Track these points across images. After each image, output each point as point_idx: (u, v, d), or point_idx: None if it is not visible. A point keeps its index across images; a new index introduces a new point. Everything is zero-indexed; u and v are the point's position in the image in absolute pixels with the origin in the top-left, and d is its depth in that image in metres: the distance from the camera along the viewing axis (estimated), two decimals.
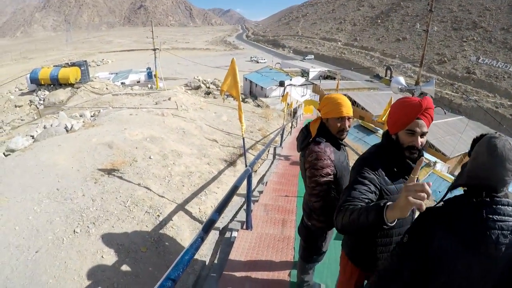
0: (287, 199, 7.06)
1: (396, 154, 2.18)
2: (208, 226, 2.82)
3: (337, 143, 2.92)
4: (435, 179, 19.85)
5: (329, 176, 2.70)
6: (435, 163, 22.32)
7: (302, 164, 2.99)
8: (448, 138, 35.36)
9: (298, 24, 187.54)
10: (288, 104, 25.64)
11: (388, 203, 1.53)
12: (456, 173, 32.85)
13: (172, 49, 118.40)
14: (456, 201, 1.70)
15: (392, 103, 4.22)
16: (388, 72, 73.16)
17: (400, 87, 12.83)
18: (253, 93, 49.23)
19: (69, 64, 31.13)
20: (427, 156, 25.04)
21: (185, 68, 76.98)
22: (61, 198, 6.11)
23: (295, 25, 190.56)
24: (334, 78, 56.83)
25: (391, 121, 2.21)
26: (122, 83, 44.94)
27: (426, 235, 1.69)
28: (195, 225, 6.41)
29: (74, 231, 5.34)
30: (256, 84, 48.86)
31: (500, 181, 1.60)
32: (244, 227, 5.25)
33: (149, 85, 42.18)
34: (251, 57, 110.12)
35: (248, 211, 5.15)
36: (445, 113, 45.47)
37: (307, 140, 2.97)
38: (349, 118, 2.86)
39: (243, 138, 7.49)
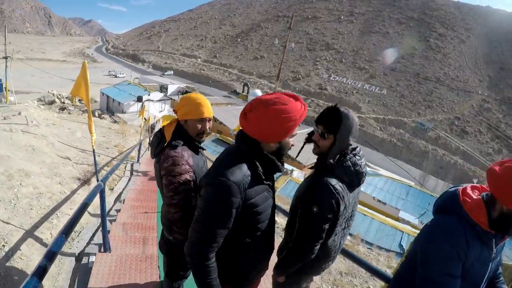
0: (146, 215, 6.76)
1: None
2: (52, 252, 2.31)
3: (195, 147, 2.72)
4: (293, 185, 21.79)
5: (189, 184, 2.47)
6: (292, 171, 24.78)
7: (158, 171, 2.65)
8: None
9: (159, 39, 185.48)
10: (145, 119, 25.17)
11: None
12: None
13: (27, 59, 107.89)
14: (336, 161, 2.22)
15: None
16: (245, 88, 77.30)
17: None
18: (110, 108, 47.20)
19: None
20: (285, 165, 26.78)
21: (40, 81, 70.64)
22: None
23: (157, 40, 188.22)
24: None
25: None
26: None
27: (333, 196, 2.15)
28: None
29: None
30: (113, 99, 47.01)
31: (353, 137, 2.25)
32: (102, 249, 4.79)
33: None
34: (109, 71, 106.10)
35: (105, 232, 4.76)
36: (299, 126, 49.43)
37: (162, 144, 2.66)
38: (209, 120, 2.70)
39: (93, 151, 7.25)
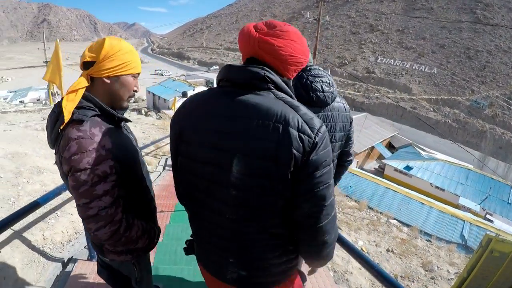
0: (158, 216, 5.96)
1: None
2: None
3: (116, 119, 1.81)
4: (345, 175, 21.04)
5: (109, 179, 1.62)
6: None
7: (60, 167, 1.72)
8: (354, 134, 37.74)
9: (202, 36, 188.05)
10: None
11: None
12: (365, 166, 35.15)
13: (76, 65, 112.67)
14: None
15: None
16: None
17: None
18: (157, 106, 48.11)
19: None
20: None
21: None
22: None
23: (200, 36, 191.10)
24: None
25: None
26: (21, 101, 41.77)
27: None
28: (32, 257, 4.85)
29: None
30: (159, 97, 47.97)
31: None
32: (88, 256, 4.17)
33: (44, 101, 39.79)
34: (155, 70, 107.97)
35: (88, 235, 3.84)
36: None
37: (60, 123, 1.63)
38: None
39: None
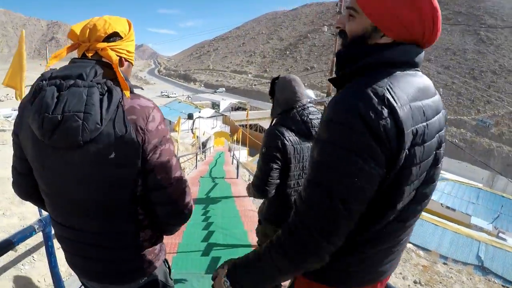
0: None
1: None
2: None
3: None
4: None
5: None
6: None
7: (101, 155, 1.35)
8: None
9: (209, 58, 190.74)
10: (197, 136, 25.70)
11: None
12: None
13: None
14: (284, 116, 2.63)
15: None
16: None
17: (309, 100, 11.74)
18: None
19: None
20: None
21: None
22: None
23: (207, 59, 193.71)
24: (245, 109, 58.18)
25: None
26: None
27: (279, 138, 2.52)
28: None
29: None
30: (164, 119, 47.23)
31: (300, 96, 2.66)
32: None
33: None
34: (161, 92, 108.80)
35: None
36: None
37: (117, 97, 1.37)
38: None
39: None
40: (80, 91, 1.26)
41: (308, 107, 2.67)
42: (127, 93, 1.36)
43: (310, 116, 2.61)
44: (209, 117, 44.97)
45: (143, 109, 1.40)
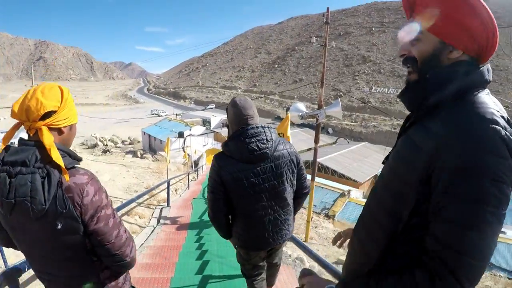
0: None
1: None
2: None
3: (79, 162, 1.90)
4: (353, 207, 21.27)
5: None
6: (349, 191, 23.71)
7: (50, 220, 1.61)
8: (356, 164, 37.62)
9: (198, 75, 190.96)
10: (188, 155, 25.48)
11: None
12: None
13: None
14: (232, 137, 2.62)
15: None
16: (288, 112, 76.86)
17: (300, 114, 11.19)
18: (152, 147, 46.75)
19: None
20: (340, 186, 26.19)
21: (83, 126, 73.28)
22: None
23: (196, 76, 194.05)
24: None
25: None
26: (11, 143, 41.52)
27: (218, 171, 2.58)
28: None
29: None
30: (154, 138, 46.75)
31: (249, 117, 2.62)
32: None
33: None
34: (151, 111, 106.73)
35: None
36: (348, 143, 49.04)
37: (55, 179, 1.62)
38: None
39: None
40: (25, 178, 1.53)
41: (247, 129, 2.60)
42: (66, 177, 1.59)
43: (247, 141, 2.55)
44: (200, 134, 44.34)
45: (78, 187, 1.63)
